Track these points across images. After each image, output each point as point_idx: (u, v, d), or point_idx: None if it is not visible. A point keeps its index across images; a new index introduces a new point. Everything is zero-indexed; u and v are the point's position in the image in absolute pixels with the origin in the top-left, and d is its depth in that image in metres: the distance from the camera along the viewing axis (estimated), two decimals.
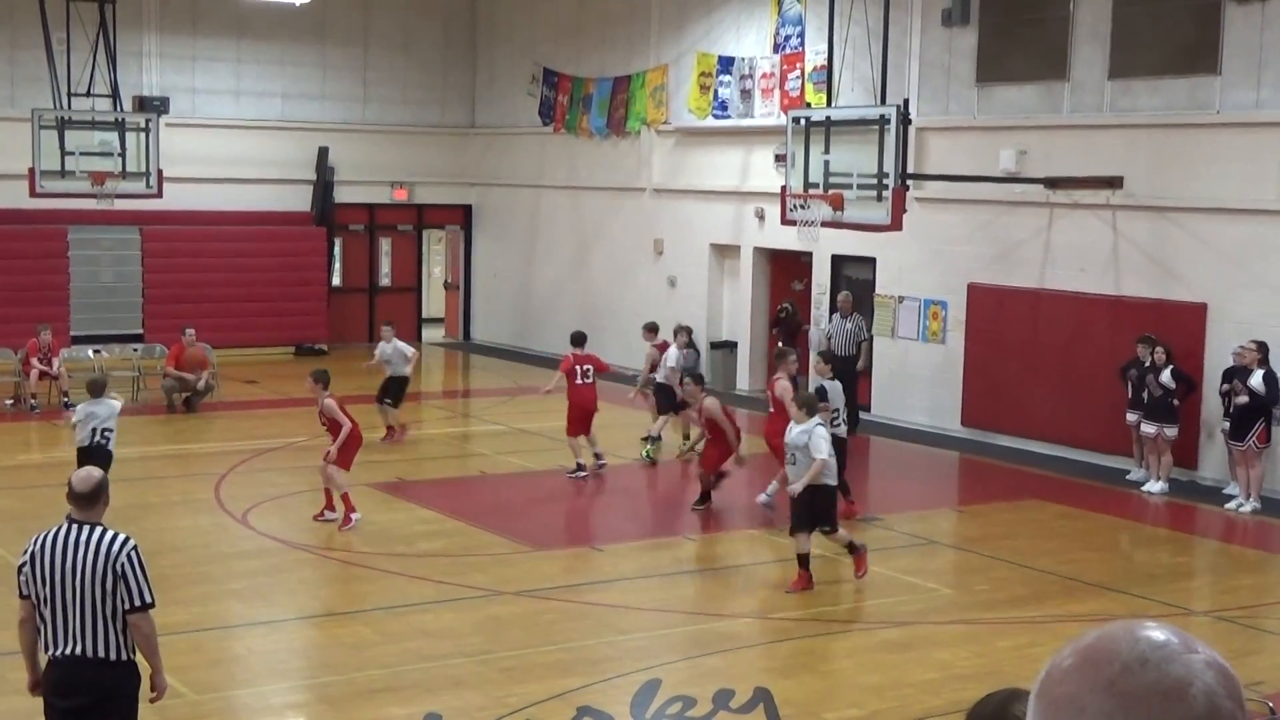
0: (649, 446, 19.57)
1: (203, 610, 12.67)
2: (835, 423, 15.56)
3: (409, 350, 20.91)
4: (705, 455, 16.88)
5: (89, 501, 7.71)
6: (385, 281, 32.65)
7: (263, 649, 12.01)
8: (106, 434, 15.23)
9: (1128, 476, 18.75)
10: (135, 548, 7.64)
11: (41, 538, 7.68)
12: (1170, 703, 1.87)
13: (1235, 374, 17.16)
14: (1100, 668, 1.91)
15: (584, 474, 18.28)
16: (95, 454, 14.60)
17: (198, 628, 12.12)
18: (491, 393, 24.95)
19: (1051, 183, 19.60)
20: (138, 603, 7.58)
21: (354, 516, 15.55)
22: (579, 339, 19.17)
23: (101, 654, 7.57)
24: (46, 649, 7.67)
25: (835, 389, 16.11)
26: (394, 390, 20.64)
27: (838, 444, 15.13)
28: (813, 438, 13.31)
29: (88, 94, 25.06)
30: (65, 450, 20.14)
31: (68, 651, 7.58)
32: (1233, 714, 1.88)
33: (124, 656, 7.64)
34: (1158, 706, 1.87)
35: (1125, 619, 2.00)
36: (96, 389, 15.57)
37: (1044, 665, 1.99)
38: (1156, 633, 1.94)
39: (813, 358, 18.16)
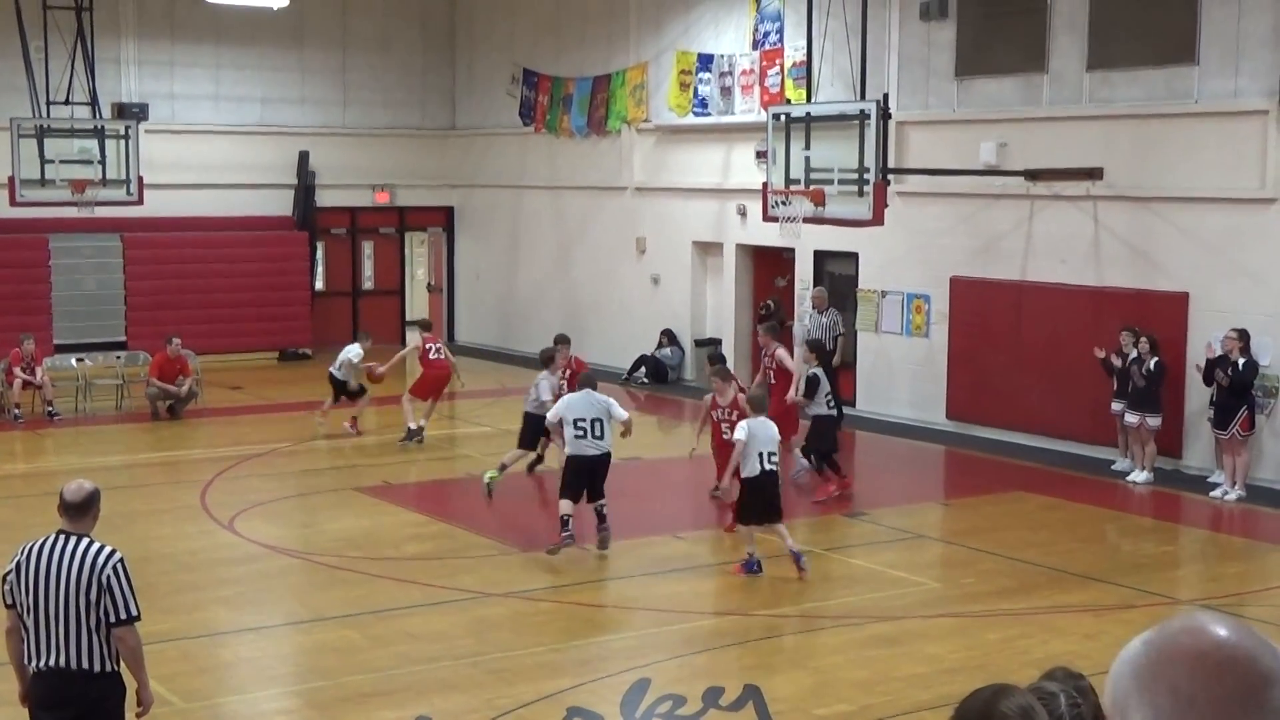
0: (494, 474, 17.47)
1: (190, 618, 12.64)
2: (831, 404, 17.30)
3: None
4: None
5: (79, 512, 7.68)
6: (368, 285, 32.61)
7: (251, 655, 11.99)
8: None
9: (1113, 466, 18.81)
10: (121, 560, 7.61)
11: (29, 547, 7.66)
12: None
13: (1218, 364, 17.22)
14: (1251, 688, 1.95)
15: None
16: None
17: (185, 635, 12.09)
18: (476, 394, 24.91)
19: (1032, 175, 19.64)
20: (123, 615, 7.54)
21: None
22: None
23: (85, 665, 7.54)
24: (30, 660, 7.63)
25: (821, 375, 17.36)
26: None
27: (830, 423, 17.23)
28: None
29: (66, 102, 24.98)
30: (47, 460, 20.16)
31: (51, 663, 7.55)
32: None
33: (108, 668, 7.61)
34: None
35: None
36: (760, 405, 14.34)
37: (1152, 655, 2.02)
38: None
39: (799, 350, 18.35)
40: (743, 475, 13.79)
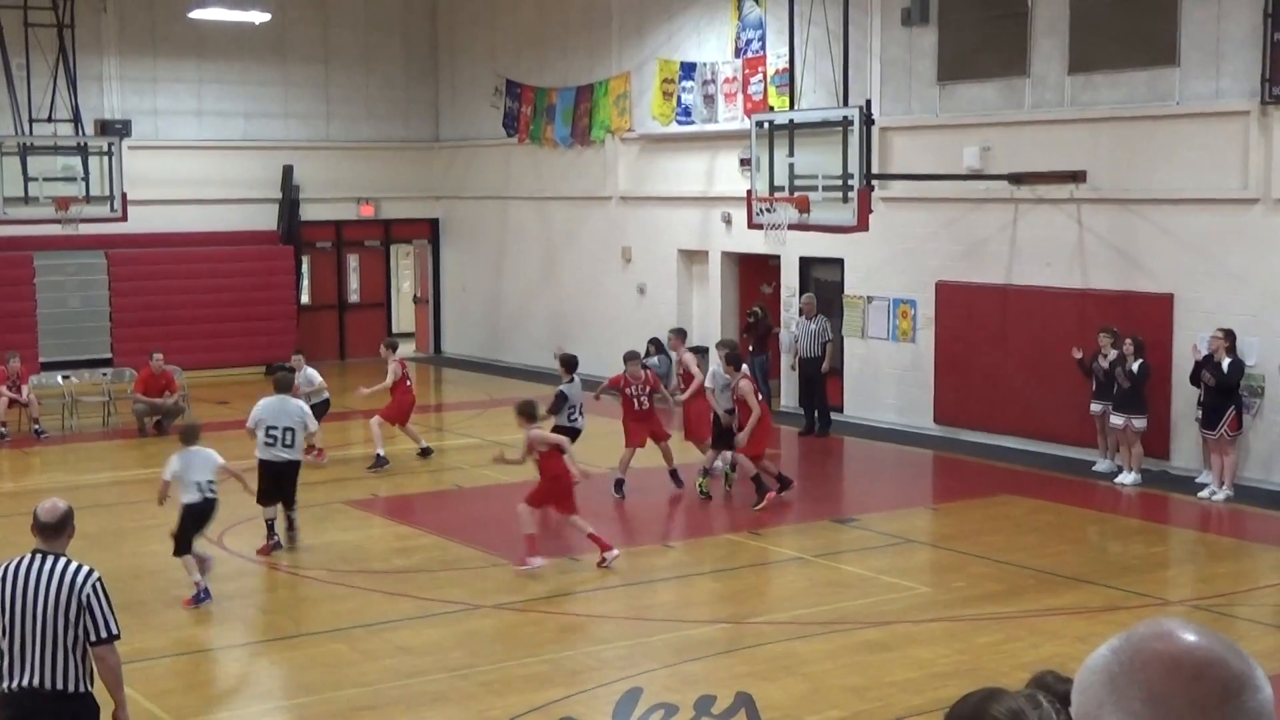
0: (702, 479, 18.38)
1: (179, 634, 12.61)
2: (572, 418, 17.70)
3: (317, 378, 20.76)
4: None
5: (54, 532, 7.66)
6: (354, 298, 32.58)
7: (241, 671, 11.96)
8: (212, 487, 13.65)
9: (1093, 468, 18.84)
10: (99, 579, 7.59)
11: (4, 568, 7.62)
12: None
13: (1204, 364, 17.25)
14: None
15: None
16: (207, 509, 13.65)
17: (175, 652, 12.05)
18: (464, 406, 24.92)
19: (1015, 178, 19.68)
20: (103, 634, 7.52)
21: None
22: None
23: (60, 686, 7.49)
24: (4, 680, 7.58)
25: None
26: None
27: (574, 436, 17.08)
28: None
29: (49, 119, 24.96)
30: (34, 478, 20.10)
31: (24, 683, 7.50)
32: None
33: (82, 689, 7.56)
34: None
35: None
36: (190, 436, 13.90)
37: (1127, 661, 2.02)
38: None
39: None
40: (184, 501, 13.43)
